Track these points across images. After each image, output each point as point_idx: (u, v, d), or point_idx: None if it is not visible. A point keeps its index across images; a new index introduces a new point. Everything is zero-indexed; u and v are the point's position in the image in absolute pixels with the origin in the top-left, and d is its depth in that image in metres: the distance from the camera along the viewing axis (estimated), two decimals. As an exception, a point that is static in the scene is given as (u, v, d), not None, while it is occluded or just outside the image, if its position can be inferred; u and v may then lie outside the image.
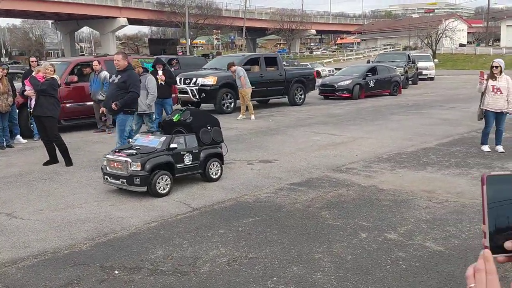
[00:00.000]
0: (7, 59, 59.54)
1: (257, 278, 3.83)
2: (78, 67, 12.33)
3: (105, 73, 11.02)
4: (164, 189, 6.07)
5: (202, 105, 15.30)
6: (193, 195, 6.16)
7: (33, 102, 8.26)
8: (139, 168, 5.89)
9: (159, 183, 6.00)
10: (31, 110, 8.55)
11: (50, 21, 73.81)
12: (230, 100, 14.83)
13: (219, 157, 6.91)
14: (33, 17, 70.95)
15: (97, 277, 3.85)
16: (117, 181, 6.05)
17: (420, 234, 4.75)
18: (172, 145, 6.22)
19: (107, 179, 6.19)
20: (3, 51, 62.68)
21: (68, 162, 7.93)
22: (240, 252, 4.33)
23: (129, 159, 5.92)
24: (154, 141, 6.37)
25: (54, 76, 7.88)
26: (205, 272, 3.94)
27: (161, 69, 10.58)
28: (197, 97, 14.50)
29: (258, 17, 75.77)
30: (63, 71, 11.41)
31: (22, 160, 8.49)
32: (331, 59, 58.56)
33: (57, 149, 7.93)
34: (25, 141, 10.26)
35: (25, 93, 8.45)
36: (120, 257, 4.26)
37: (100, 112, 8.82)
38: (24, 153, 9.11)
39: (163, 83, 10.47)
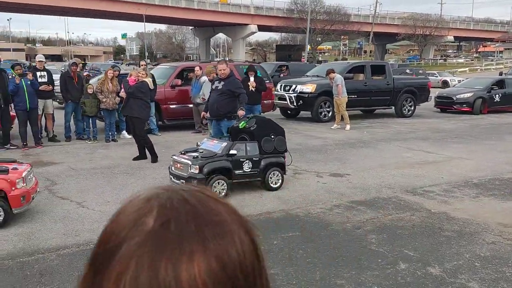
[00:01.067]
0: (148, 60, 65.62)
1: (264, 295, 3.77)
2: (185, 71, 13.16)
3: (204, 78, 11.60)
4: (220, 193, 6.23)
5: (301, 112, 15.34)
6: (246, 202, 6.24)
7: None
8: (197, 171, 6.15)
9: (215, 187, 6.19)
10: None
11: (190, 27, 79.69)
12: (328, 109, 14.61)
13: (281, 166, 6.89)
14: (175, 23, 77.26)
15: (120, 271, 4.12)
16: (178, 182, 6.38)
17: (468, 272, 4.26)
18: (231, 151, 6.38)
19: (171, 178, 6.57)
20: (146, 54, 69.23)
21: (154, 159, 8.54)
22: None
23: (189, 162, 6.21)
24: (217, 146, 6.59)
25: (146, 79, 8.54)
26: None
27: (253, 75, 10.84)
28: (295, 104, 14.55)
29: (390, 22, 73.14)
30: (170, 75, 12.32)
31: (118, 154, 9.34)
32: (467, 68, 54.33)
33: None
34: (130, 136, 11.21)
35: (120, 94, 9.25)
36: (150, 255, 4.49)
37: (202, 116, 9.23)
38: (123, 148, 9.99)
39: (253, 89, 10.72)
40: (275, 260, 4.43)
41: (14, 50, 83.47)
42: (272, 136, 6.78)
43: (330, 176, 7.76)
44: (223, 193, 6.27)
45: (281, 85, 15.32)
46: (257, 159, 6.64)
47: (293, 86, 14.81)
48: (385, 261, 4.49)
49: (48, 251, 4.54)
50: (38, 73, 10.06)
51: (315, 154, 9.51)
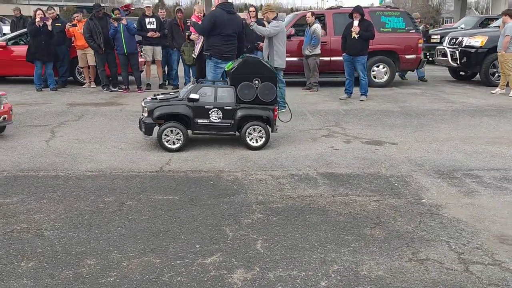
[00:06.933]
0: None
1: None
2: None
3: (315, 26, 10.17)
4: (174, 143, 5.32)
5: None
6: (199, 157, 5.14)
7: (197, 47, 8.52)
8: (146, 115, 5.36)
9: (167, 135, 5.29)
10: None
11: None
12: (503, 69, 11.05)
13: (267, 121, 5.43)
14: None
15: None
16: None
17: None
18: (192, 95, 5.30)
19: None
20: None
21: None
22: (71, 226, 3.42)
23: (143, 104, 5.46)
24: (184, 90, 5.60)
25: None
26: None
27: (358, 19, 8.81)
28: (458, 61, 11.46)
29: None
30: (286, 24, 11.25)
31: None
32: None
33: None
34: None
35: (191, 37, 8.68)
36: (-1, 191, 4.10)
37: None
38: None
39: (356, 36, 8.76)
40: (97, 223, 3.46)
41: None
42: (256, 82, 5.36)
43: (363, 143, 5.80)
44: (178, 144, 5.32)
45: (448, 39, 12.32)
46: (230, 108, 5.37)
47: (459, 39, 11.71)
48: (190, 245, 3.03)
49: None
50: (147, 19, 10.34)
51: (401, 118, 7.32)
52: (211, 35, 6.38)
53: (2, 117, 5.81)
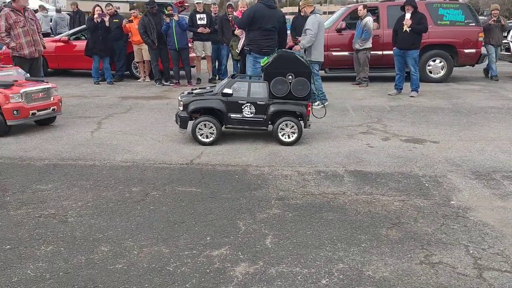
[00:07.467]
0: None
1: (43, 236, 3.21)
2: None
3: (366, 19, 9.91)
4: (207, 137, 5.40)
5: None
6: (231, 151, 5.19)
7: (240, 42, 8.60)
8: (181, 109, 5.48)
9: (200, 129, 5.38)
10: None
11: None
12: None
13: (300, 117, 5.38)
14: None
15: (-15, 184, 4.21)
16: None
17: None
18: (225, 90, 5.36)
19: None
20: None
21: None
22: (95, 214, 3.61)
23: (179, 98, 5.58)
24: (219, 85, 5.65)
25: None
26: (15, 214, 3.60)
27: (410, 11, 8.46)
28: (521, 56, 10.76)
29: None
30: (338, 17, 11.04)
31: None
32: None
33: None
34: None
35: (235, 32, 8.78)
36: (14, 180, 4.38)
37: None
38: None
39: (408, 29, 8.43)
40: (111, 211, 3.63)
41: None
42: (290, 77, 5.32)
43: (401, 141, 5.60)
44: (211, 138, 5.40)
45: (515, 32, 11.60)
46: (263, 103, 5.37)
47: (525, 33, 10.99)
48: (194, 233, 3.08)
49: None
50: (198, 15, 10.59)
51: (450, 116, 7.01)
52: (251, 30, 6.41)
53: (51, 108, 6.17)
